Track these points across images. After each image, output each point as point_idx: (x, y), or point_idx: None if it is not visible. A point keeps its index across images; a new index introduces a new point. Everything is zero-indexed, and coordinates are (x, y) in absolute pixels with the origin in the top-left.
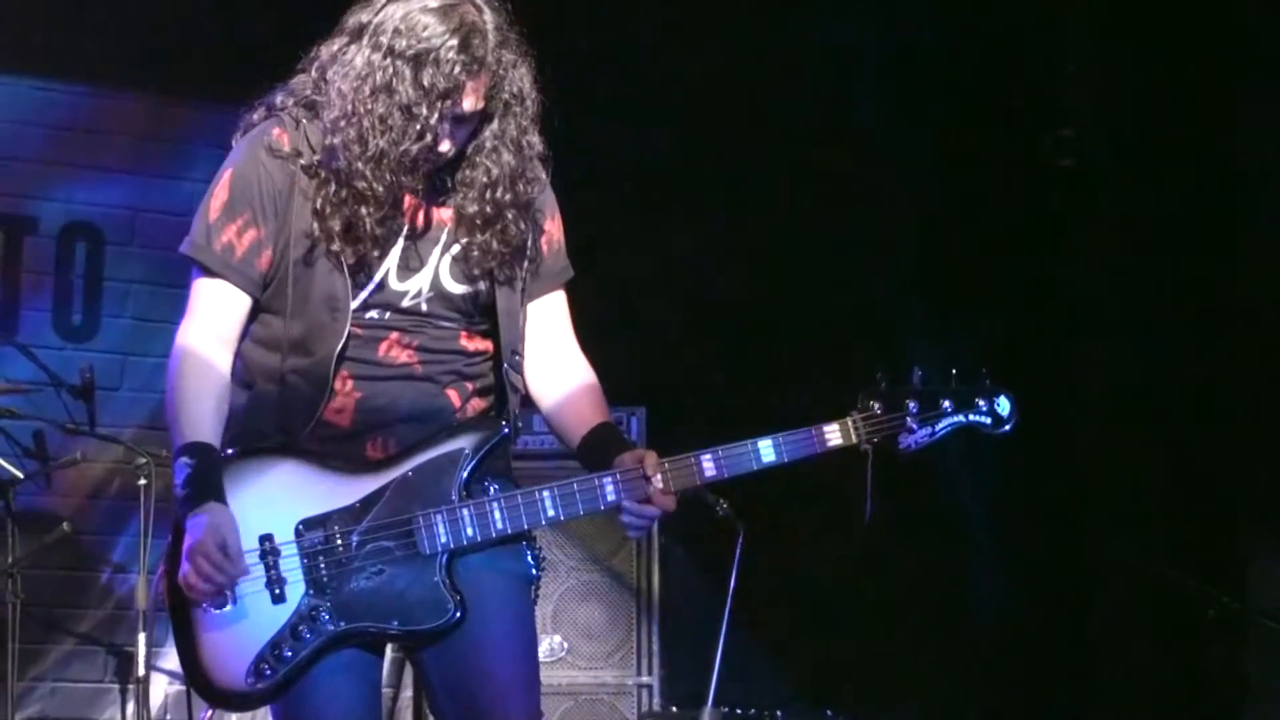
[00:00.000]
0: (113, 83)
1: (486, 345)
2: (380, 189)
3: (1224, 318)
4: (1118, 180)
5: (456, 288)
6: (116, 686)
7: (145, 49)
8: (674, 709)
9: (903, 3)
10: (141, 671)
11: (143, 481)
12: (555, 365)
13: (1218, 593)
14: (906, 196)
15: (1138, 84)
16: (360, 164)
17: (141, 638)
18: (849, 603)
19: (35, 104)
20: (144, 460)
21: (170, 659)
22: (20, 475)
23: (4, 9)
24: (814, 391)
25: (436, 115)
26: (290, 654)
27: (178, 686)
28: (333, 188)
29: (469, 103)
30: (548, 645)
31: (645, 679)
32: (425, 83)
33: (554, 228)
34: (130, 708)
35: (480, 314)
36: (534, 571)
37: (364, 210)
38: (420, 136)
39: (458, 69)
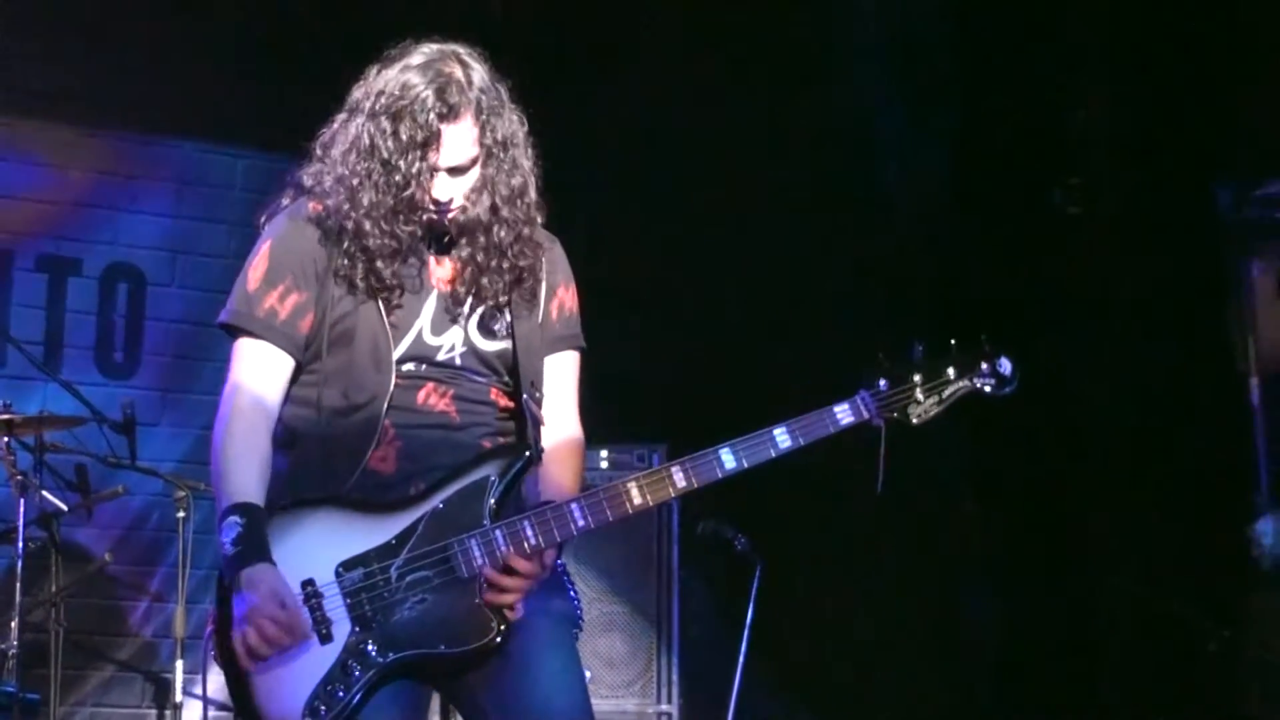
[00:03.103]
0: (154, 129)
1: (513, 404)
2: (386, 241)
3: (1218, 343)
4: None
5: (486, 345)
6: (154, 712)
7: (185, 97)
8: None
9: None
10: (178, 698)
11: (181, 514)
12: (547, 426)
13: (1217, 626)
14: (922, 223)
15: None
16: (359, 218)
17: (179, 665)
18: (865, 635)
19: (79, 150)
20: (183, 493)
21: (209, 685)
22: (64, 507)
23: (47, 57)
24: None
25: (418, 164)
26: (342, 692)
27: (214, 712)
28: (348, 243)
29: (450, 149)
30: None
31: (665, 707)
32: (404, 135)
33: (568, 296)
34: None
35: (508, 373)
36: (578, 613)
37: (378, 264)
38: (405, 186)
39: (432, 118)
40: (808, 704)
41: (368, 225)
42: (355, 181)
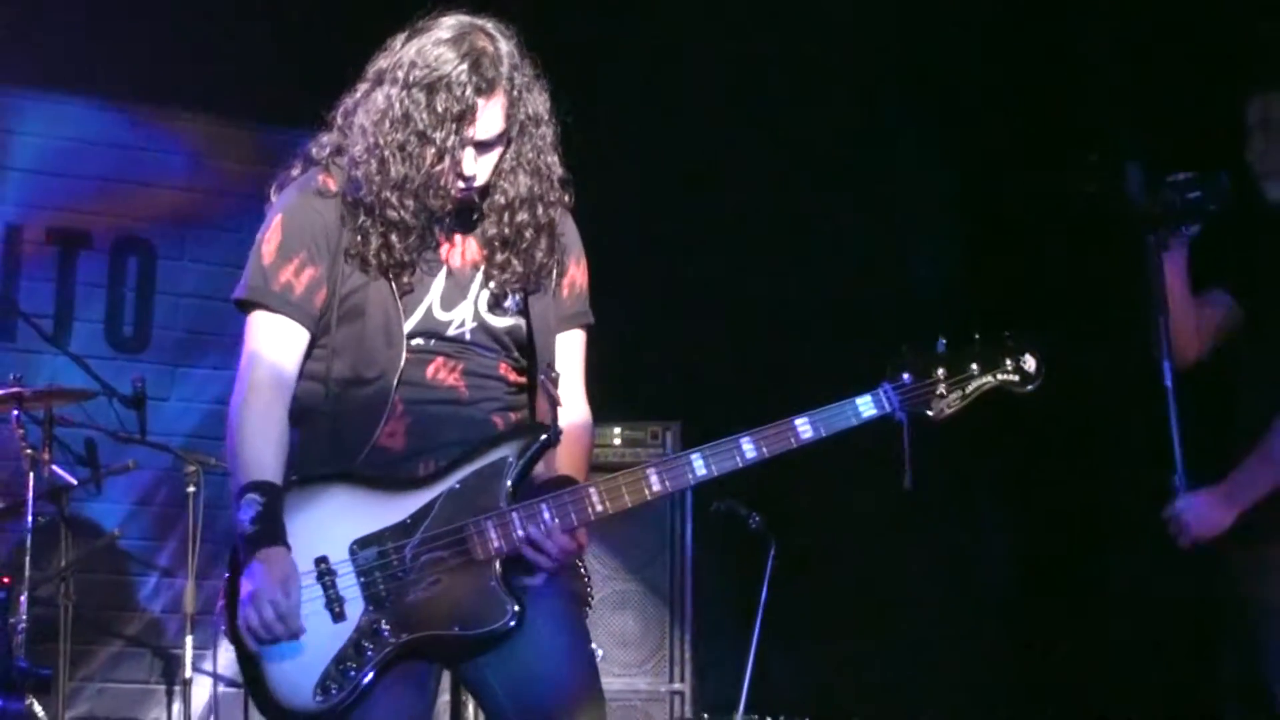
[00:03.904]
0: (167, 104)
1: (524, 380)
2: (407, 216)
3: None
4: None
5: (497, 321)
6: (163, 687)
7: (199, 72)
8: (705, 716)
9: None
10: (188, 673)
11: (191, 489)
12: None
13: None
14: (941, 203)
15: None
16: (386, 192)
17: (188, 640)
18: (878, 614)
19: (92, 124)
20: (193, 468)
21: (218, 661)
22: (74, 481)
23: (62, 31)
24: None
25: (453, 139)
26: (354, 670)
27: (224, 688)
28: (363, 218)
29: (485, 124)
30: None
31: (678, 686)
32: (439, 108)
33: (578, 272)
34: (176, 708)
35: (519, 350)
36: (589, 592)
37: (394, 238)
38: (439, 159)
39: (469, 91)
40: (823, 683)
41: (394, 198)
42: (386, 153)
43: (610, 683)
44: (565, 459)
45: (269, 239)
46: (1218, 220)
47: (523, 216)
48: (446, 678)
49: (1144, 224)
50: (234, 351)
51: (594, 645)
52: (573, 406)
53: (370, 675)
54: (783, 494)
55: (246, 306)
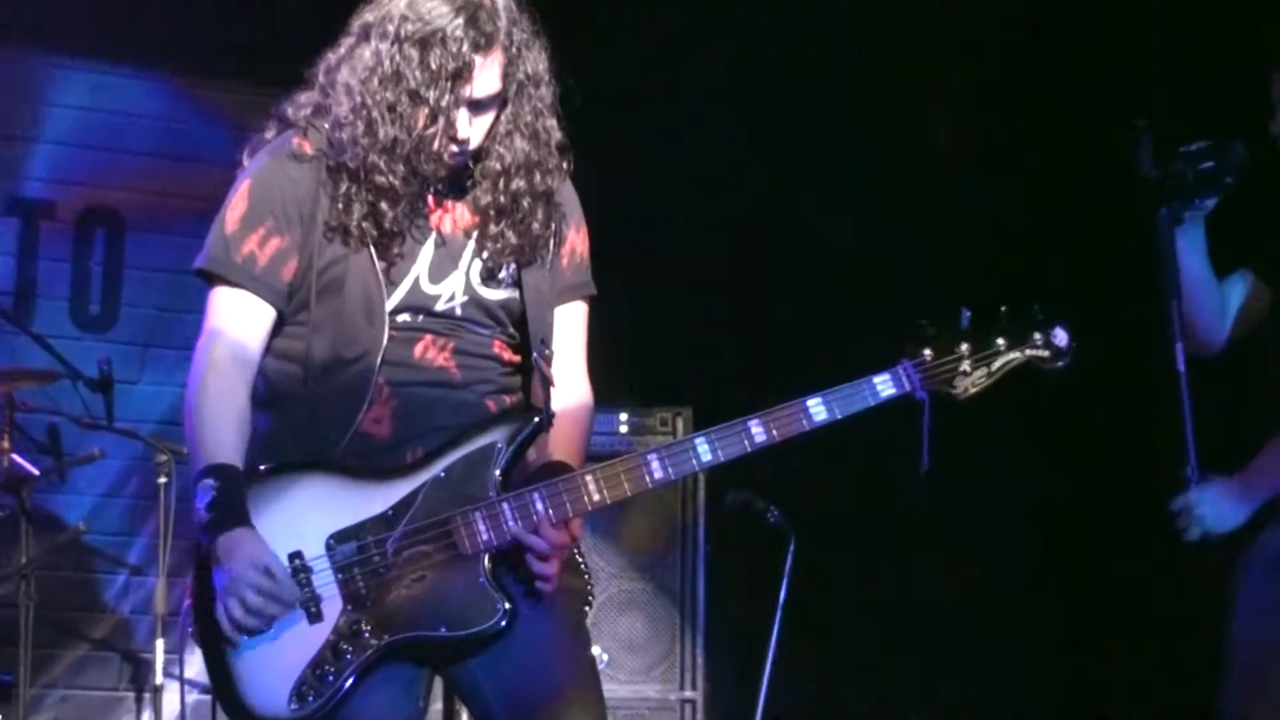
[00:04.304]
0: (136, 62)
1: (519, 359)
2: (397, 182)
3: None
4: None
5: (489, 294)
6: (131, 694)
7: (172, 28)
8: None
9: None
10: (158, 679)
11: (162, 479)
12: (556, 386)
13: None
14: (957, 183)
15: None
16: (374, 156)
17: (159, 644)
18: (905, 613)
19: (54, 83)
20: (164, 457)
21: (189, 666)
22: (36, 472)
23: None
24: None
25: (448, 98)
26: (333, 675)
27: (196, 695)
28: (347, 184)
29: (482, 83)
30: None
31: (689, 694)
32: (433, 65)
33: (578, 239)
34: (145, 716)
35: (514, 324)
36: (590, 588)
37: (383, 205)
38: (432, 121)
39: (465, 46)
40: (846, 690)
41: (382, 162)
42: (375, 113)
43: (615, 690)
44: (560, 443)
45: (234, 206)
46: (1242, 197)
47: (518, 184)
48: (438, 684)
49: (1154, 198)
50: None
51: (597, 649)
52: (572, 385)
53: (350, 681)
54: (804, 485)
55: (208, 279)
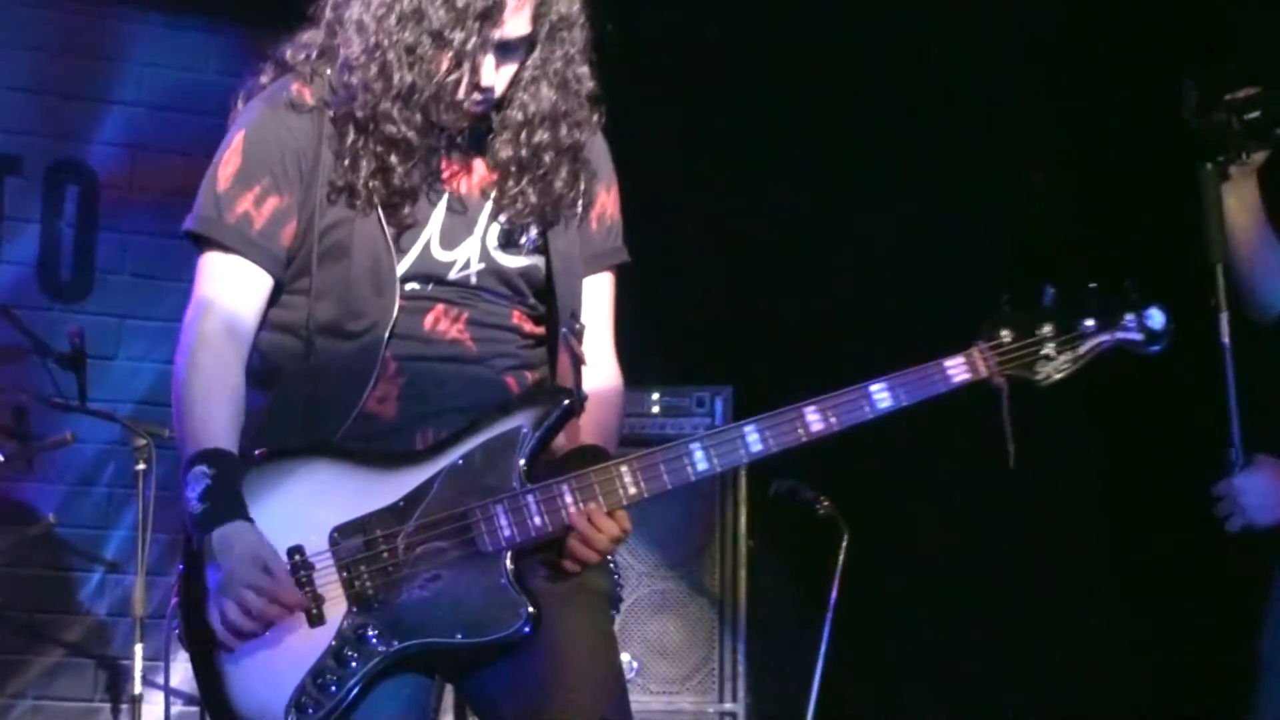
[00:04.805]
0: (111, 1)
1: (542, 330)
2: (411, 134)
3: None
4: None
5: (509, 260)
6: (108, 705)
7: None
8: None
9: None
10: (137, 689)
11: (141, 466)
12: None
13: None
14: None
15: None
16: (386, 103)
17: (138, 649)
18: (974, 620)
19: (20, 24)
20: (143, 441)
21: (174, 674)
22: (0, 458)
23: None
24: (916, 357)
25: (475, 39)
26: (335, 686)
27: (180, 706)
28: (354, 136)
29: (513, 25)
30: None
31: (729, 706)
32: (460, 3)
33: (609, 201)
34: None
35: (535, 295)
36: (618, 590)
37: (394, 159)
38: (455, 66)
39: None
40: (903, 702)
41: (395, 111)
42: (390, 55)
43: (648, 702)
44: (592, 427)
45: (227, 161)
46: None
47: (542, 136)
48: (448, 693)
49: (1199, 151)
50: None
51: (626, 657)
52: (601, 364)
53: (355, 691)
54: (858, 470)
55: (198, 242)
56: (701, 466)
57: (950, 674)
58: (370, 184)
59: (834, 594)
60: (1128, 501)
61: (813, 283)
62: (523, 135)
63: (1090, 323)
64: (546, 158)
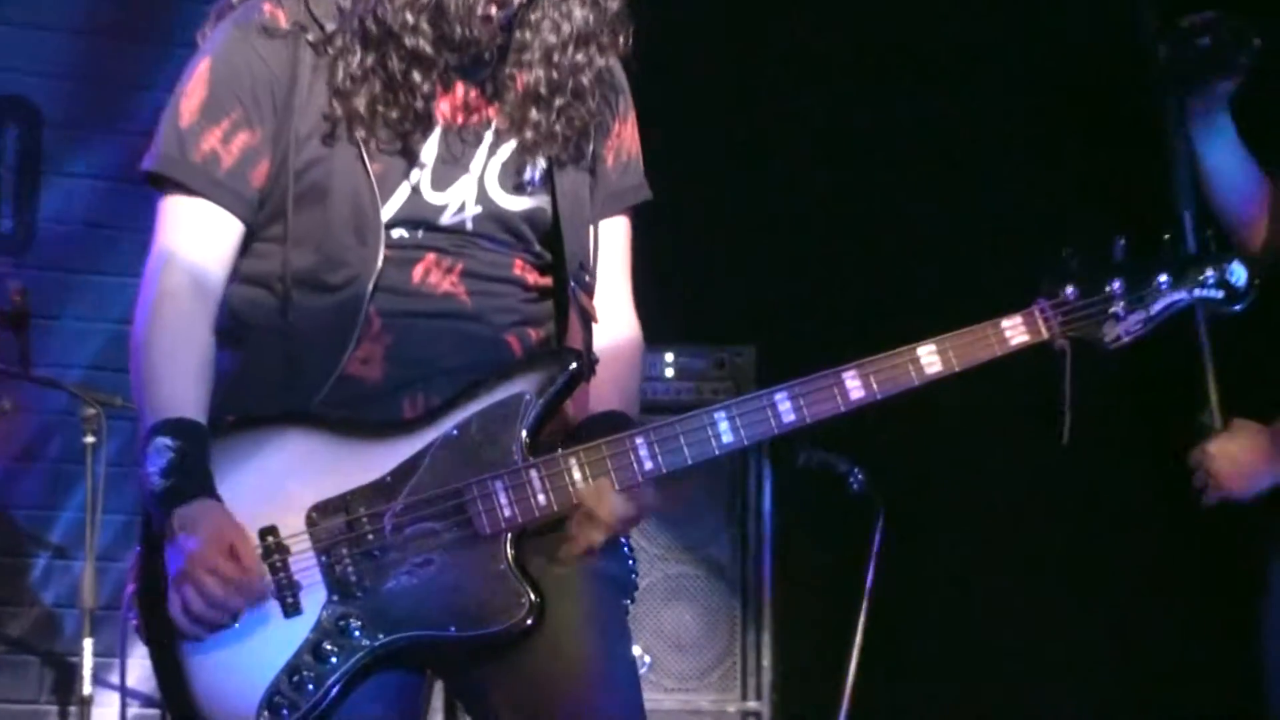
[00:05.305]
0: None
1: (548, 281)
2: (428, 47)
3: None
4: None
5: (510, 203)
6: (55, 708)
7: None
8: None
9: None
10: (87, 689)
11: (90, 439)
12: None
13: None
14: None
15: None
16: (409, 14)
17: (87, 644)
18: (1021, 607)
19: None
20: (93, 411)
21: (130, 672)
22: None
23: None
24: (957, 317)
25: None
26: (313, 684)
27: (137, 708)
28: (360, 55)
29: None
30: None
31: (752, 705)
32: None
33: (627, 133)
34: None
35: (540, 241)
36: (633, 576)
37: (416, 75)
38: None
39: None
40: (944, 699)
41: (424, 22)
42: None
43: (662, 700)
44: (608, 390)
45: (190, 93)
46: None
47: (575, 57)
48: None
49: (1157, 83)
50: (149, 250)
51: (638, 650)
52: (618, 318)
53: (335, 690)
54: (895, 441)
55: (158, 184)
56: (727, 439)
57: (993, 669)
58: (366, 109)
59: (869, 579)
60: (1185, 492)
61: (842, 234)
62: (554, 56)
63: (1164, 278)
64: (583, 80)
